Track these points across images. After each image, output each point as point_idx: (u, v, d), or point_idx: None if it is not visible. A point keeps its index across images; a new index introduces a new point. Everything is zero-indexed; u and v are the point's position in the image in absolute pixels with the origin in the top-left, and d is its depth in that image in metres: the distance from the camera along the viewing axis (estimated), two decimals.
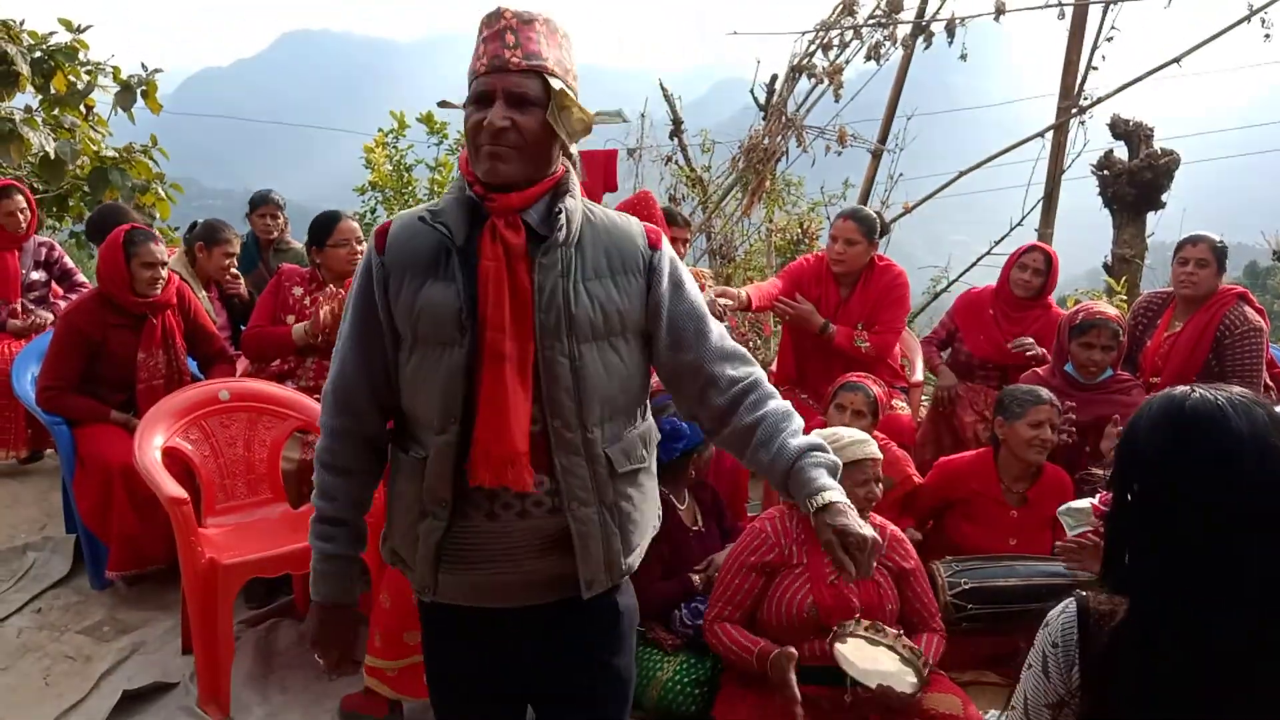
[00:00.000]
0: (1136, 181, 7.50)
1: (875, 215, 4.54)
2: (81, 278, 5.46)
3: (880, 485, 3.03)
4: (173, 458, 3.54)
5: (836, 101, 7.38)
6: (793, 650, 2.72)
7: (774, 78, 7.97)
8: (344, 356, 1.82)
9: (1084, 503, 3.30)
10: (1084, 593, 1.51)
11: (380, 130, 7.91)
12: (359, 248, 4.10)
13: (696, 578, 3.24)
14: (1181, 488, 1.42)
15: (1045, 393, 3.57)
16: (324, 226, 4.12)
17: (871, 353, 4.35)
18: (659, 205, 4.56)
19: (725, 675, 2.99)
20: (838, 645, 2.68)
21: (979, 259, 6.89)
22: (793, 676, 2.66)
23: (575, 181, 1.78)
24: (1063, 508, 3.25)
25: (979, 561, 3.38)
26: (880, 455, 3.03)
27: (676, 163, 8.24)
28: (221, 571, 3.06)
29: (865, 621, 2.78)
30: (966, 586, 3.26)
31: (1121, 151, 7.99)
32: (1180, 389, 1.51)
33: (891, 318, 4.43)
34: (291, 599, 3.79)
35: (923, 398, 4.90)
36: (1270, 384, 4.29)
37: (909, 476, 3.76)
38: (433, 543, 1.78)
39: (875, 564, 2.79)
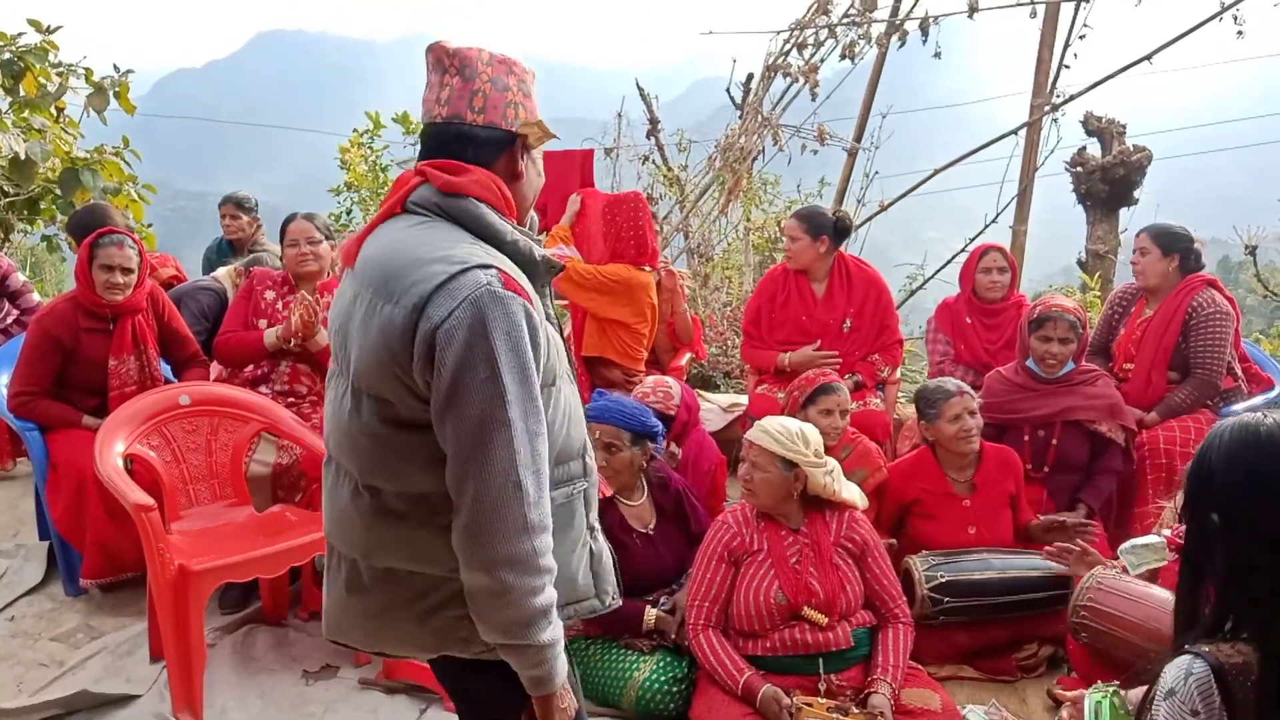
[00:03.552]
0: (1109, 178, 7.59)
1: (823, 212, 4.63)
2: (36, 298, 5.37)
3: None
4: (141, 463, 3.51)
5: (813, 100, 7.40)
6: (783, 695, 2.75)
7: (750, 77, 7.99)
8: (540, 424, 1.60)
9: (1147, 540, 3.21)
10: (1206, 648, 1.41)
11: (355, 130, 7.88)
12: (308, 249, 4.10)
13: (651, 614, 3.20)
14: (1268, 518, 1.39)
15: (951, 384, 3.64)
16: (281, 227, 4.23)
17: (892, 375, 4.55)
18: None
19: (701, 672, 2.99)
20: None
21: (953, 256, 6.93)
22: (788, 719, 2.70)
23: None
24: (1124, 546, 3.20)
25: (954, 555, 3.40)
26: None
27: (654, 162, 8.25)
28: (192, 578, 3.03)
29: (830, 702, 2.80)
30: (944, 580, 3.28)
31: (1094, 148, 8.06)
32: (1250, 416, 1.48)
33: (890, 329, 4.60)
34: (260, 606, 3.76)
35: (899, 395, 4.93)
36: (1241, 375, 4.34)
37: (880, 467, 3.79)
38: (608, 549, 1.89)
39: (835, 545, 2.78)
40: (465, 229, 1.67)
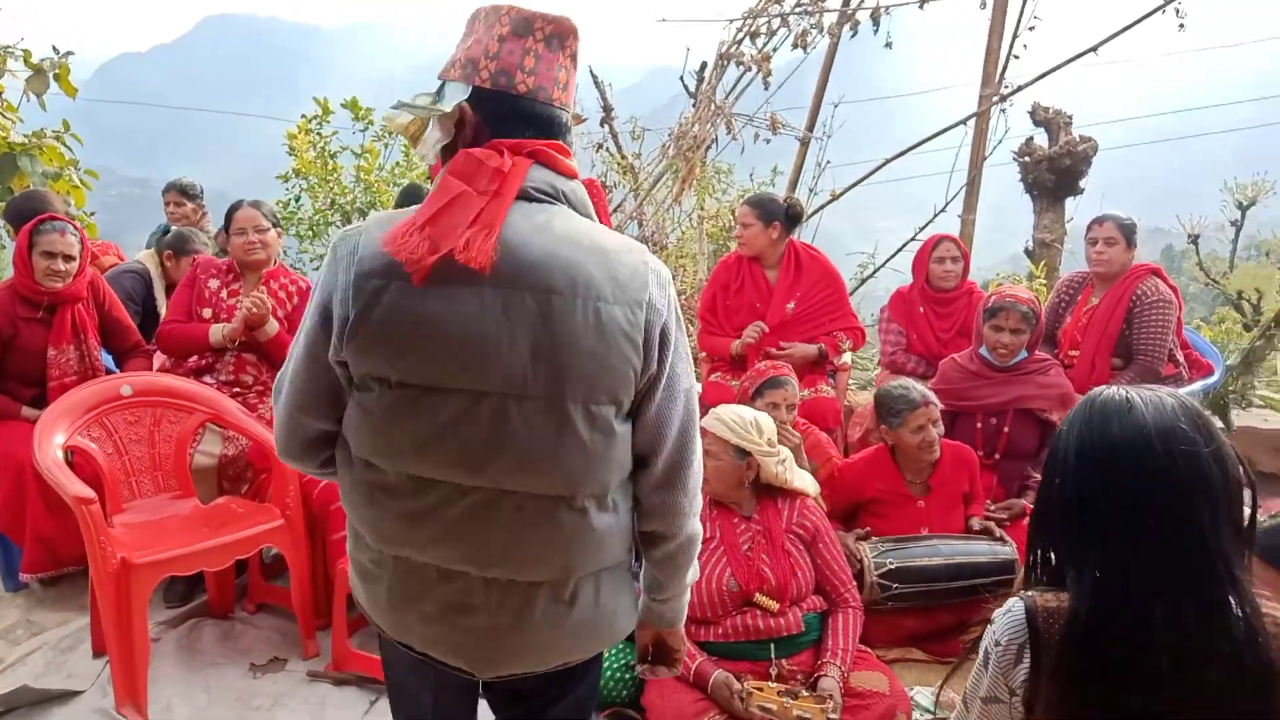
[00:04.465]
0: (1056, 168, 7.70)
1: (775, 199, 4.64)
2: None
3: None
4: (82, 455, 3.44)
5: (765, 89, 7.41)
6: (734, 680, 2.75)
7: (703, 65, 7.98)
8: None
9: None
10: (1030, 593, 1.51)
11: (303, 116, 7.75)
12: (256, 237, 4.03)
13: None
14: (1097, 481, 1.46)
15: (917, 393, 3.55)
16: (227, 215, 4.15)
17: (852, 348, 4.59)
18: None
19: None
20: (754, 708, 2.69)
21: (904, 245, 7.00)
22: (739, 704, 2.70)
23: None
24: None
25: (903, 542, 3.43)
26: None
27: (607, 150, 8.22)
28: (134, 571, 2.98)
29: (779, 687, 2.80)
30: (892, 566, 3.32)
31: (1042, 139, 8.18)
32: (1097, 388, 1.54)
33: (845, 312, 4.62)
34: (205, 600, 3.71)
35: (849, 381, 4.97)
36: (1183, 362, 4.43)
37: (830, 458, 3.82)
38: None
39: (787, 531, 2.83)
40: (580, 214, 1.61)
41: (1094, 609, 1.42)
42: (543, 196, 1.56)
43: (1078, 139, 7.90)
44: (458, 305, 1.48)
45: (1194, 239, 10.86)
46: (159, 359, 4.20)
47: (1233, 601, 1.38)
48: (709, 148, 7.65)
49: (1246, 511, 1.46)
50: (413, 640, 1.68)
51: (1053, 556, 1.53)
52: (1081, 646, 1.42)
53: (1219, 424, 4.84)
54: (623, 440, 1.61)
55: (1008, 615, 1.50)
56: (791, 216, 4.58)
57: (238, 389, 3.98)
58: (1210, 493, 1.40)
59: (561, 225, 1.54)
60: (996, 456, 4.00)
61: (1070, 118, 8.09)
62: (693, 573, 1.81)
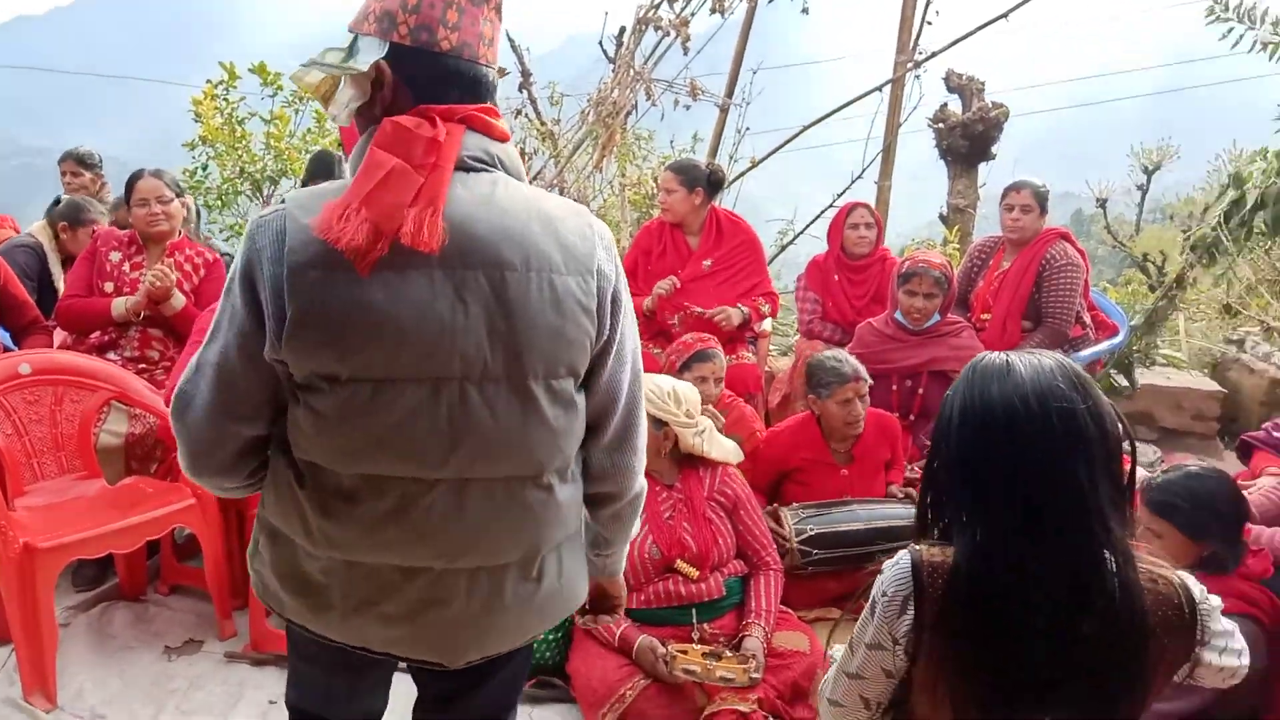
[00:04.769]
0: (969, 134, 7.83)
1: (698, 165, 4.65)
2: None
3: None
4: None
5: (685, 55, 7.38)
6: (658, 645, 2.77)
7: (622, 30, 7.90)
8: None
9: None
10: (918, 547, 1.54)
11: (209, 82, 7.47)
12: (159, 209, 3.89)
13: None
14: (978, 445, 1.48)
15: (848, 366, 3.57)
16: (128, 185, 3.98)
17: (772, 313, 4.63)
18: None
19: (577, 626, 3.00)
20: (678, 671, 2.71)
21: (822, 211, 7.06)
22: (663, 667, 2.72)
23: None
24: None
25: (823, 507, 3.47)
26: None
27: (526, 116, 8.10)
28: (38, 556, 2.87)
29: (702, 648, 2.82)
30: (812, 532, 3.36)
31: (956, 105, 8.31)
32: (980, 354, 1.58)
33: (762, 279, 4.65)
34: (116, 582, 3.61)
35: (770, 348, 5.01)
36: (1090, 323, 4.57)
37: (754, 433, 3.84)
38: None
39: (708, 500, 2.91)
40: (515, 180, 1.54)
41: (973, 566, 1.45)
42: (480, 165, 1.48)
43: (990, 105, 8.04)
44: (408, 291, 1.39)
45: (1102, 203, 11.18)
46: (59, 335, 4.04)
47: (1108, 555, 1.42)
48: (629, 114, 7.60)
49: (1126, 467, 1.50)
50: (371, 643, 1.58)
51: (943, 517, 1.56)
52: (962, 602, 1.45)
53: (1123, 381, 4.97)
54: (582, 411, 1.60)
55: (895, 567, 1.53)
56: (713, 183, 4.59)
57: (143, 365, 3.85)
58: (1087, 449, 1.43)
59: (504, 194, 1.47)
60: (912, 418, 4.09)
61: (983, 84, 8.23)
62: (635, 526, 1.84)
